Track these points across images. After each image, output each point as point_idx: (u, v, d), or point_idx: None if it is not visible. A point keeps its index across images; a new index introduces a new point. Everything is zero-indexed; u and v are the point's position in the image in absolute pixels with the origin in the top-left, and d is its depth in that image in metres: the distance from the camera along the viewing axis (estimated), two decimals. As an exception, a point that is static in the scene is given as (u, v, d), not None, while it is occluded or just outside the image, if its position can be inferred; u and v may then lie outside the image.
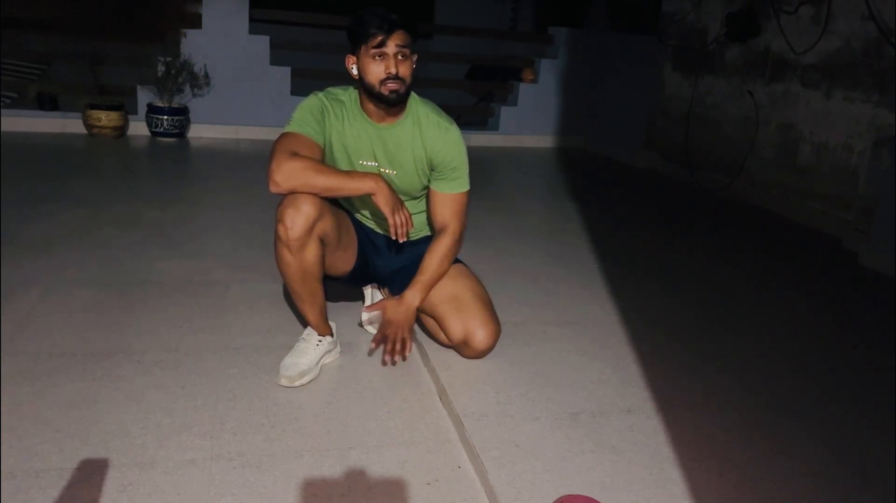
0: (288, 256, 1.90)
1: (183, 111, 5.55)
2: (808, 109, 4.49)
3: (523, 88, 6.68)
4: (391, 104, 1.94)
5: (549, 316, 2.57)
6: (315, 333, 2.08)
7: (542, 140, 6.74)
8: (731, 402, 2.05)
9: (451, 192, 2.07)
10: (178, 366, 2.04)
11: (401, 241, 1.93)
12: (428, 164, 2.05)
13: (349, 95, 2.03)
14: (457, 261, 2.20)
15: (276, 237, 1.88)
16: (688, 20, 5.58)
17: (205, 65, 5.63)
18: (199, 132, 5.74)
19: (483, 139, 6.50)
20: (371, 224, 2.23)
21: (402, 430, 1.83)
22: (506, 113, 6.66)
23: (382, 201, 1.87)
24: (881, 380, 2.29)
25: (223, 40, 5.70)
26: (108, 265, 2.76)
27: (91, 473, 1.55)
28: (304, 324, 2.12)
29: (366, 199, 2.04)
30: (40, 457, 1.59)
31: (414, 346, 2.29)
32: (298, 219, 1.83)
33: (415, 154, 2.03)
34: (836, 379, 2.28)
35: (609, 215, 4.30)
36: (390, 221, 1.88)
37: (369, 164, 2.04)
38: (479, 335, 2.06)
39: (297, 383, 1.97)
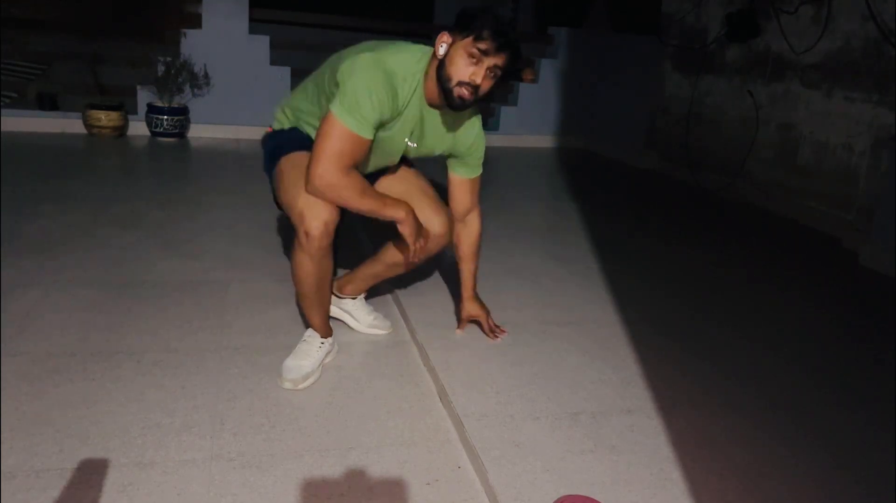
0: (308, 264, 1.89)
1: (183, 111, 5.55)
2: (808, 109, 4.50)
3: (523, 88, 6.67)
4: (453, 108, 1.88)
5: (549, 316, 2.57)
6: (318, 335, 2.08)
7: (543, 140, 6.73)
8: (731, 402, 2.05)
9: (471, 176, 2.18)
10: (178, 366, 2.04)
11: (416, 262, 2.03)
12: (449, 150, 2.11)
13: (420, 66, 1.89)
14: (410, 166, 2.25)
15: (298, 245, 1.86)
16: (688, 20, 5.58)
17: (205, 65, 5.63)
18: (199, 132, 5.74)
19: (483, 139, 6.48)
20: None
21: (402, 430, 1.83)
22: (506, 113, 6.66)
23: (408, 231, 1.90)
24: (881, 380, 2.29)
25: (223, 40, 5.70)
26: (108, 265, 2.76)
27: (91, 473, 1.55)
28: (306, 324, 2.12)
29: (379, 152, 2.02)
30: (40, 457, 1.59)
31: (414, 347, 2.29)
32: (323, 228, 1.81)
33: (442, 140, 2.06)
34: (836, 379, 2.28)
35: (609, 215, 4.29)
36: (412, 248, 1.93)
37: (409, 142, 2.02)
38: (436, 222, 2.09)
39: (300, 386, 1.97)
